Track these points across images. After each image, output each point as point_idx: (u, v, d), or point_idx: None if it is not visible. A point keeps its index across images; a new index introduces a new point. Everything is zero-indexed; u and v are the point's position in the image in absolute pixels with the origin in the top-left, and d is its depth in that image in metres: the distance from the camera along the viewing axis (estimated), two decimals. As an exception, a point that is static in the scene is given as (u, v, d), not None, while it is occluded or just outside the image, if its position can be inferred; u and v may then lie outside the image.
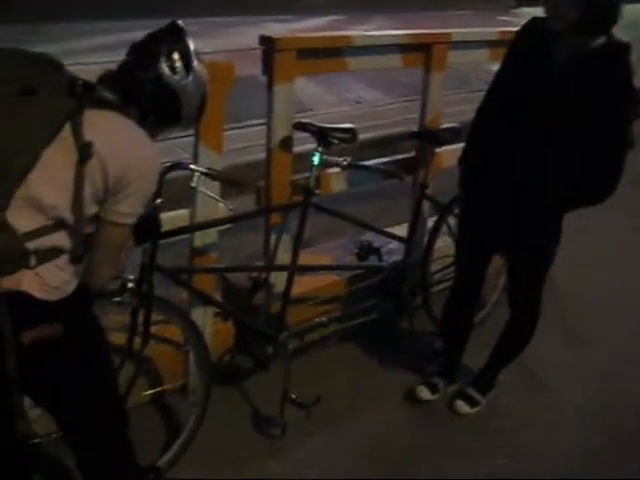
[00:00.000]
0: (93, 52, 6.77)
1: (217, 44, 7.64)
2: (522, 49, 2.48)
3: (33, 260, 1.58)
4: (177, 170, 2.27)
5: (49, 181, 1.56)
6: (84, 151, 1.55)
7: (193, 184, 2.29)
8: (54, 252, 1.62)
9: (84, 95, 1.60)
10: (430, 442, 2.88)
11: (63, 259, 1.65)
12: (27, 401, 2.21)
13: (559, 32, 2.26)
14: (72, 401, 1.80)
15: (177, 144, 5.15)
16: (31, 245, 1.57)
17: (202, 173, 2.28)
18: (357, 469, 2.71)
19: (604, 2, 2.17)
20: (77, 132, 1.55)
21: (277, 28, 8.76)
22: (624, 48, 2.29)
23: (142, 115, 1.75)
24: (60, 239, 1.63)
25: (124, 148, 1.64)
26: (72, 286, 1.70)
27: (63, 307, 1.66)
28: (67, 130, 1.55)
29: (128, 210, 1.69)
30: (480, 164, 2.60)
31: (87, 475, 2.07)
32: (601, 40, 2.28)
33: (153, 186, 1.76)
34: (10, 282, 1.56)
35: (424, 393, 3.06)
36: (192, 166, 2.30)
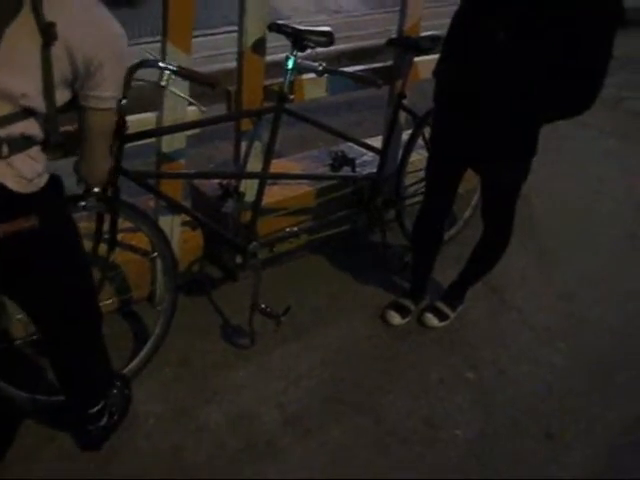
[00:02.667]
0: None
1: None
2: None
3: (5, 149, 1.55)
4: (145, 67, 2.16)
5: (15, 68, 1.50)
6: (47, 33, 1.47)
7: (162, 83, 2.18)
8: (26, 141, 1.60)
9: None
10: (396, 352, 2.91)
11: (35, 149, 1.64)
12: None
13: None
14: (49, 293, 1.83)
15: (145, 49, 4.96)
16: (2, 133, 1.53)
17: (172, 71, 2.17)
18: (321, 374, 2.74)
19: None
20: (38, 12, 1.46)
21: None
22: None
23: None
24: (31, 127, 1.60)
25: (88, 26, 1.55)
26: (44, 179, 1.69)
27: (38, 200, 1.65)
28: (27, 12, 1.46)
29: (107, 93, 1.67)
30: (454, 75, 2.50)
31: (61, 373, 2.08)
32: None
33: (125, 66, 1.74)
34: None
35: (395, 319, 3.05)
36: (161, 64, 2.19)
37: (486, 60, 2.34)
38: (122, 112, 2.15)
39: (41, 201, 1.67)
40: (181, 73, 2.20)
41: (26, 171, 1.61)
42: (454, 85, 2.51)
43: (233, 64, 2.79)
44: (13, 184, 1.59)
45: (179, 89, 2.30)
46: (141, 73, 2.17)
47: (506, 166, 2.54)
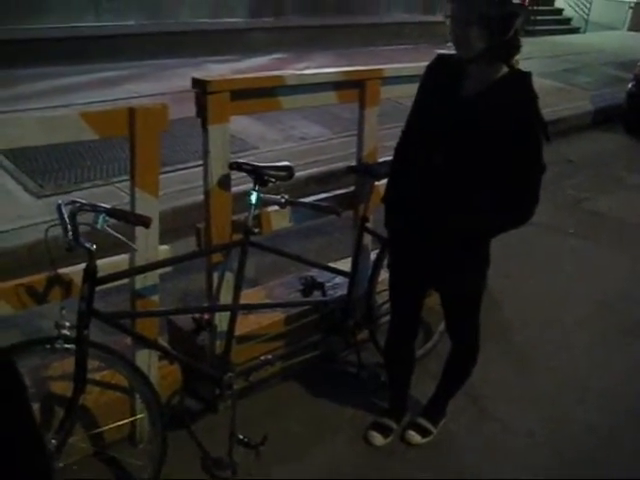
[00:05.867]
0: (31, 98, 6.70)
1: (158, 87, 7.68)
2: (430, 86, 2.55)
3: None
4: (82, 211, 2.21)
5: None
6: None
7: (97, 225, 2.20)
8: None
9: None
10: (382, 472, 2.89)
11: None
12: None
13: (468, 61, 2.34)
14: None
15: (120, 188, 5.15)
16: None
17: (105, 212, 2.20)
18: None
19: (508, 31, 2.25)
20: None
21: (219, 68, 8.81)
22: (526, 75, 2.39)
23: None
24: None
25: None
26: None
27: None
28: None
29: None
30: (401, 202, 2.64)
31: None
32: (504, 71, 2.37)
33: None
34: None
35: (377, 439, 3.05)
36: (94, 206, 2.21)
37: (426, 183, 2.49)
38: (92, 257, 2.24)
39: None
40: (114, 214, 2.22)
41: None
42: (400, 209, 2.64)
43: (200, 197, 2.91)
44: None
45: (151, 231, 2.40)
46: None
47: (461, 280, 2.63)
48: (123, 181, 5.17)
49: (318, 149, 6.48)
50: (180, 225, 4.35)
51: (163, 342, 2.98)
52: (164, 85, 7.67)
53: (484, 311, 2.82)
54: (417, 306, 2.87)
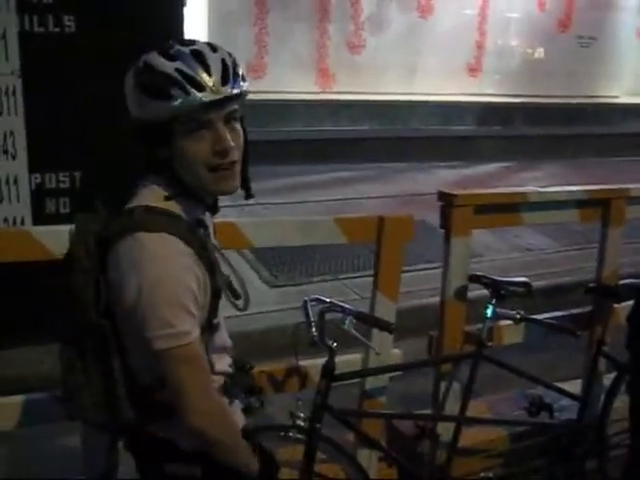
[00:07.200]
0: (275, 193, 7.29)
1: (387, 189, 8.00)
2: None
3: None
4: (330, 311, 2.34)
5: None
6: None
7: (345, 327, 2.30)
8: None
9: None
10: None
11: None
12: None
13: None
14: None
15: (346, 284, 5.38)
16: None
17: (353, 315, 2.31)
18: None
19: None
20: None
21: (446, 174, 9.01)
22: None
23: None
24: None
25: None
26: None
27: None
28: None
29: None
30: None
31: None
32: None
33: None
34: None
35: None
36: (344, 308, 2.32)
37: None
38: (332, 354, 2.37)
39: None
40: (361, 317, 2.33)
41: None
42: None
43: (428, 300, 2.98)
44: None
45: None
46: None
47: None
48: (349, 278, 5.43)
49: (544, 261, 6.32)
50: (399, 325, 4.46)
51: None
52: (393, 188, 7.99)
53: None
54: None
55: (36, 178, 3.79)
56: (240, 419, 1.73)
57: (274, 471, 1.89)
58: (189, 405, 1.47)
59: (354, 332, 2.32)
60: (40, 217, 3.77)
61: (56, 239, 2.03)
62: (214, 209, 1.64)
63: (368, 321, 2.37)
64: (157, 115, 1.46)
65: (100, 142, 3.68)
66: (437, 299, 2.99)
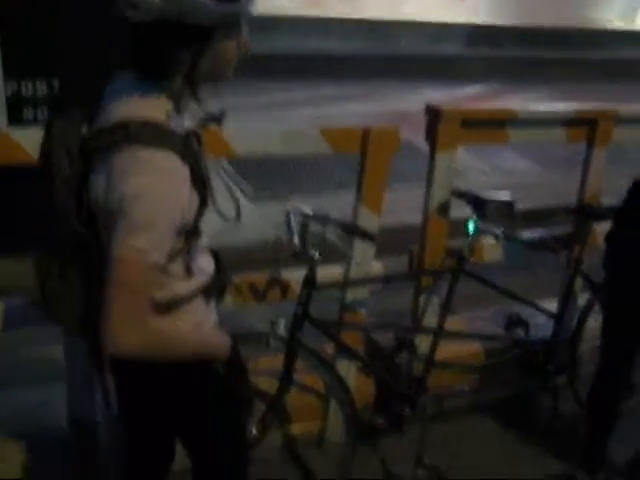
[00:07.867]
0: (258, 109, 7.14)
1: (376, 108, 7.87)
2: None
3: None
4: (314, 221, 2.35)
5: None
6: None
7: (327, 236, 2.35)
8: None
9: None
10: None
11: None
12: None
13: None
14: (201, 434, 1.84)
15: (324, 202, 5.36)
16: None
17: (337, 224, 2.34)
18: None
19: None
20: None
21: (434, 94, 8.89)
22: None
23: None
24: None
25: None
26: None
27: None
28: None
29: None
30: (627, 244, 2.53)
31: None
32: None
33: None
34: None
35: None
36: (329, 218, 2.35)
37: None
38: (314, 265, 2.38)
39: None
40: (344, 227, 2.37)
41: None
42: (623, 256, 2.53)
43: (409, 218, 2.97)
44: None
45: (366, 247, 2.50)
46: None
47: None
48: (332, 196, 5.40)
49: (527, 184, 6.33)
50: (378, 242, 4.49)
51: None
52: (379, 106, 7.85)
53: None
54: (634, 351, 2.72)
55: (12, 85, 3.68)
56: (215, 318, 1.76)
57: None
58: (110, 329, 1.39)
59: (336, 241, 2.32)
60: (17, 125, 3.68)
61: (37, 142, 1.97)
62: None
63: (351, 230, 2.37)
64: (211, 16, 1.40)
65: (80, 48, 3.55)
66: (418, 218, 3.00)
